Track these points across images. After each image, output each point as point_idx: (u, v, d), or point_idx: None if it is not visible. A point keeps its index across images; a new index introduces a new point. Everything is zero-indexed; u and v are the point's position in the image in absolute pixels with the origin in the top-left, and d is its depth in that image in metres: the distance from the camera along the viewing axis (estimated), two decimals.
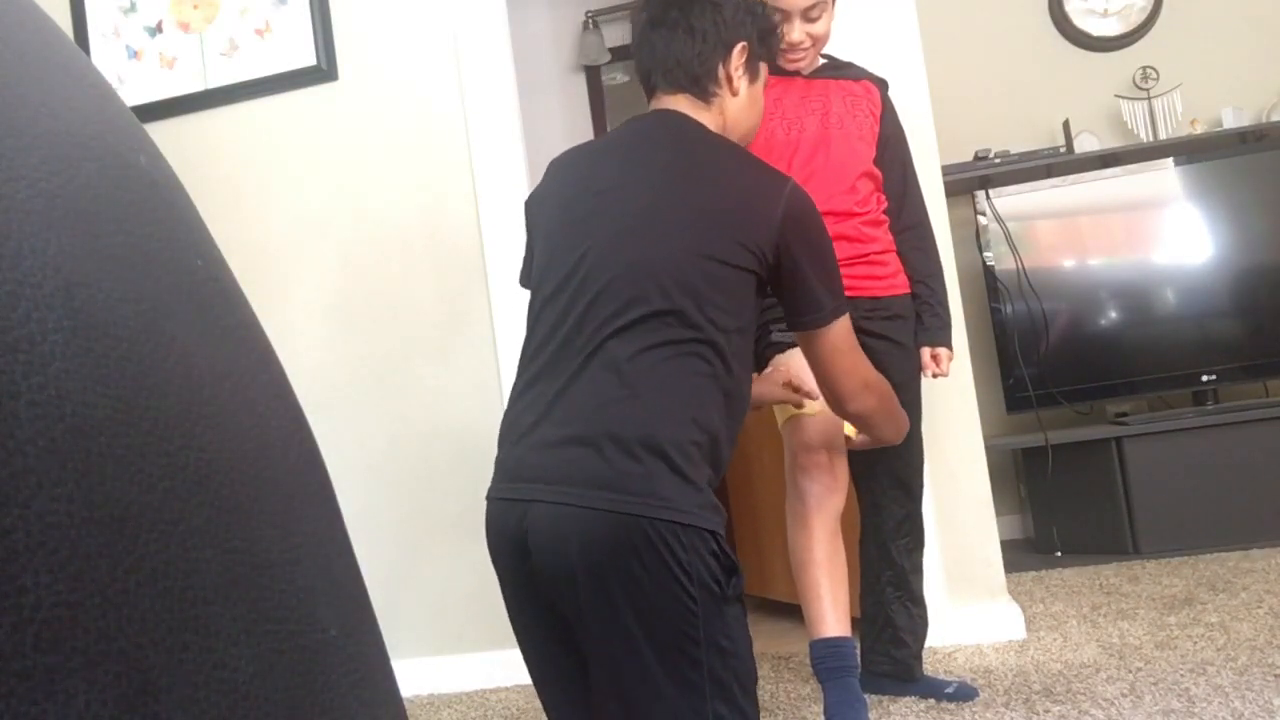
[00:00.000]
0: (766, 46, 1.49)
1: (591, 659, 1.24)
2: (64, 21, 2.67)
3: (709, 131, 1.40)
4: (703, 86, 1.41)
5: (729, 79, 1.42)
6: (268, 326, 0.44)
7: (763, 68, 1.49)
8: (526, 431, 1.28)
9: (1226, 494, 3.01)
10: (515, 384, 1.36)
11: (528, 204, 1.47)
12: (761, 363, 1.78)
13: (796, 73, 1.89)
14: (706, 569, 1.20)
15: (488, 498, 1.32)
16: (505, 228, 2.40)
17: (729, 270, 1.27)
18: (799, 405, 1.73)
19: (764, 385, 1.68)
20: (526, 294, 1.44)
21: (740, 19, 1.43)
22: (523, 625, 1.33)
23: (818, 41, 1.85)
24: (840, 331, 1.40)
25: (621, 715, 1.22)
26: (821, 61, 1.93)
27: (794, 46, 1.82)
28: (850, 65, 1.98)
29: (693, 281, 1.26)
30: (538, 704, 1.54)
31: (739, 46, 1.42)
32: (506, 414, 1.35)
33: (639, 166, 1.36)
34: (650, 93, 1.45)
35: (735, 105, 1.44)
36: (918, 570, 1.96)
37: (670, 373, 1.24)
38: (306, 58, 2.53)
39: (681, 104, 1.41)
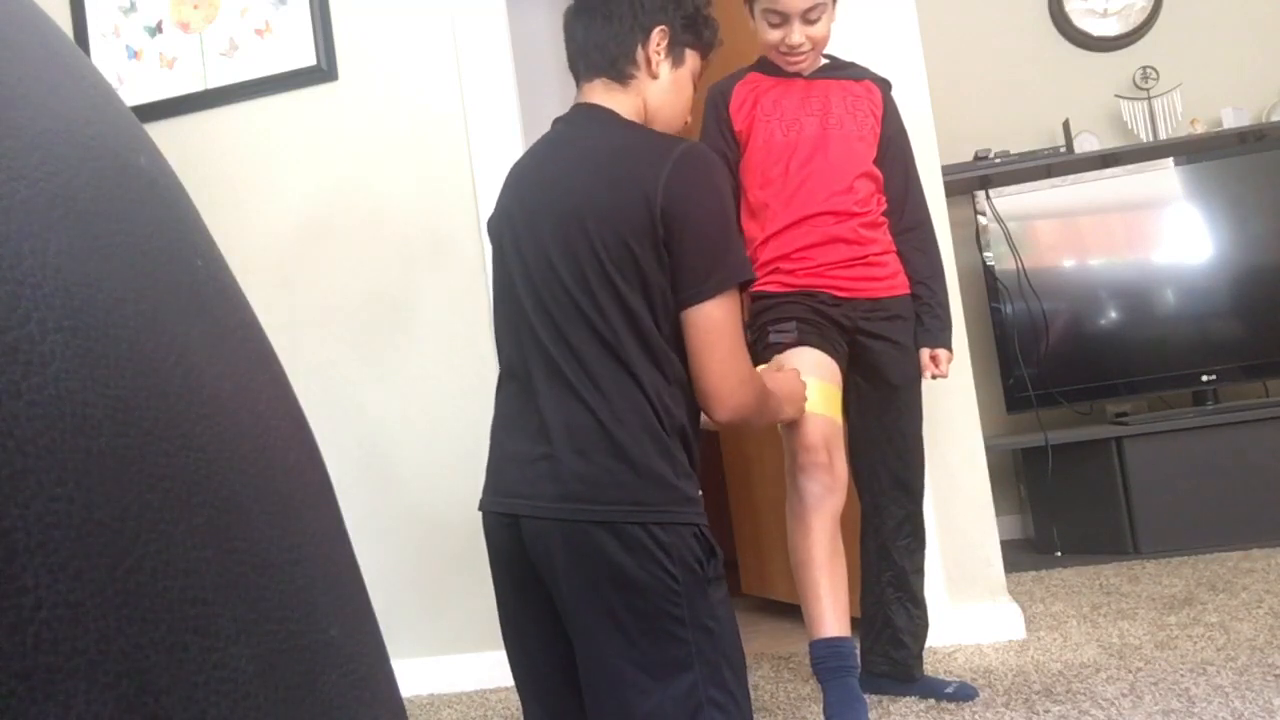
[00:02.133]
0: (693, 34, 1.48)
1: (580, 654, 1.26)
2: (64, 21, 2.67)
3: (617, 118, 1.41)
4: (619, 69, 1.42)
5: (648, 61, 1.43)
6: (268, 326, 0.44)
7: (690, 55, 1.48)
8: (505, 443, 1.35)
9: (1226, 494, 3.01)
10: (496, 390, 1.42)
11: (488, 224, 1.50)
12: (760, 362, 1.78)
13: (797, 74, 1.89)
14: (689, 551, 1.23)
15: (480, 509, 1.38)
16: None
17: (641, 259, 1.28)
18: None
19: None
20: None
21: (659, 4, 1.44)
22: (513, 624, 1.36)
23: (817, 44, 1.85)
24: (717, 313, 1.30)
25: (613, 704, 1.23)
26: (823, 62, 1.93)
27: (794, 49, 1.83)
28: (852, 65, 1.98)
29: (619, 275, 1.28)
30: None
31: (658, 29, 1.43)
32: (492, 422, 1.41)
33: (554, 179, 1.38)
34: (576, 81, 1.47)
35: (656, 89, 1.44)
36: (918, 571, 1.96)
37: (622, 376, 1.27)
38: (306, 58, 2.53)
39: (598, 89, 1.43)
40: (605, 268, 1.27)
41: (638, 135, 1.39)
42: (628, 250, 1.27)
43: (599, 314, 1.27)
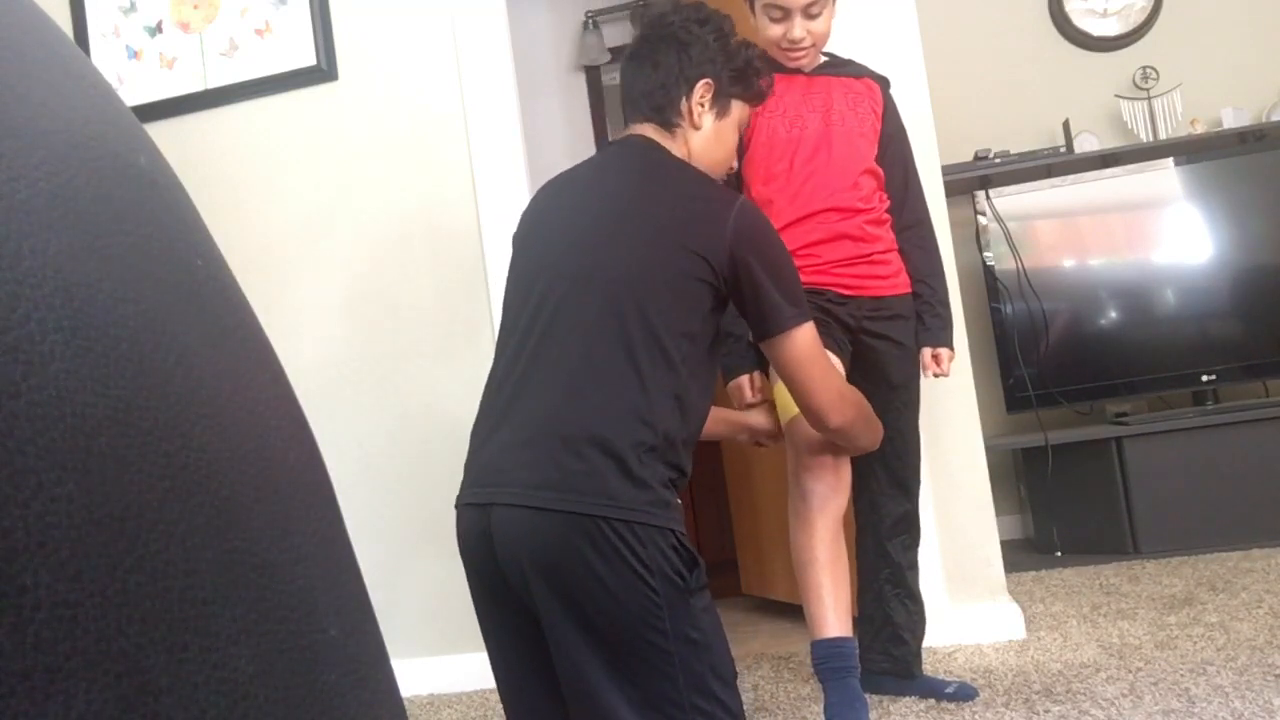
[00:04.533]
0: (742, 86, 1.53)
1: (558, 661, 1.25)
2: (64, 21, 2.67)
3: (669, 154, 1.46)
4: (665, 117, 1.48)
5: (690, 112, 1.48)
6: (268, 326, 0.44)
7: (737, 106, 1.53)
8: (487, 437, 1.34)
9: (1226, 494, 3.01)
10: (486, 382, 1.42)
11: (513, 238, 1.54)
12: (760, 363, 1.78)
13: (798, 70, 1.89)
14: (667, 562, 1.21)
15: (456, 505, 1.35)
16: (505, 228, 2.40)
17: (679, 279, 1.32)
18: (761, 443, 1.81)
19: (718, 422, 1.70)
20: None
21: (708, 57, 1.49)
22: (489, 630, 1.36)
23: (818, 39, 1.85)
24: (807, 338, 1.42)
25: (597, 714, 1.22)
26: (823, 59, 1.93)
27: (795, 44, 1.82)
28: (851, 63, 1.98)
29: (641, 288, 1.30)
30: None
31: (702, 83, 1.48)
32: (475, 419, 1.40)
33: (600, 186, 1.45)
34: (625, 122, 1.53)
35: (699, 139, 1.49)
36: (914, 567, 1.96)
37: (618, 375, 1.28)
38: (306, 58, 2.53)
39: (647, 130, 1.49)
40: (649, 275, 1.31)
41: (699, 175, 1.46)
42: (676, 268, 1.32)
43: (629, 324, 1.28)
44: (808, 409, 1.49)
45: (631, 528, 1.20)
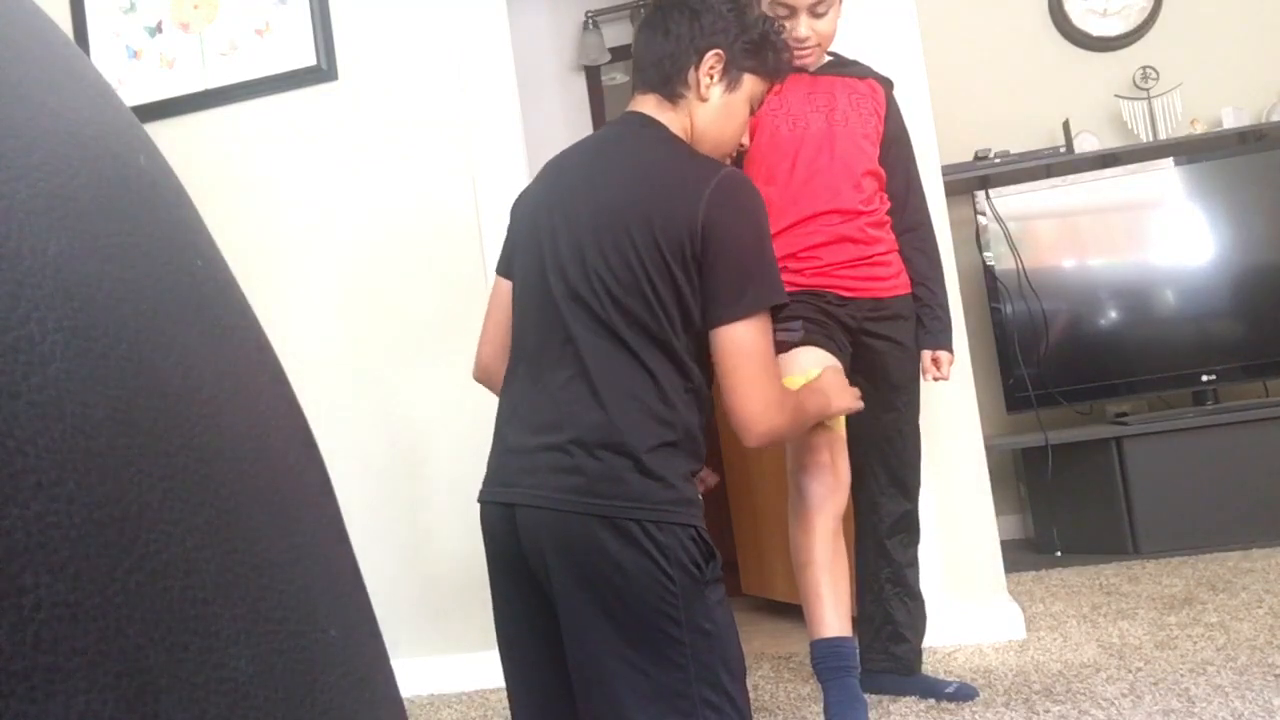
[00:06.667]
0: (757, 60, 1.46)
1: (569, 648, 1.26)
2: (64, 21, 2.67)
3: (663, 133, 1.42)
4: (671, 87, 1.43)
5: (698, 83, 1.43)
6: (268, 326, 0.44)
7: (750, 80, 1.47)
8: (507, 435, 1.35)
9: (1226, 494, 3.01)
10: (504, 381, 1.43)
11: (514, 203, 1.53)
12: None
13: (803, 69, 1.88)
14: (684, 551, 1.23)
15: (479, 499, 1.38)
16: (505, 228, 2.40)
17: (674, 270, 1.30)
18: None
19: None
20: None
21: (720, 27, 1.43)
22: (504, 617, 1.37)
23: (824, 39, 1.84)
24: (746, 335, 1.30)
25: (605, 703, 1.23)
26: (827, 59, 1.93)
27: (800, 43, 1.82)
28: (855, 63, 1.98)
29: (642, 286, 1.29)
30: None
31: (712, 53, 1.43)
32: (498, 410, 1.41)
33: (597, 175, 1.40)
34: (632, 90, 1.49)
35: (705, 112, 1.44)
36: (913, 564, 1.96)
37: (631, 376, 1.28)
38: (306, 58, 2.53)
39: (650, 103, 1.45)
40: (641, 271, 1.29)
41: (684, 153, 1.40)
42: (663, 260, 1.29)
43: (626, 315, 1.29)
44: (730, 414, 1.34)
45: (659, 525, 1.22)
